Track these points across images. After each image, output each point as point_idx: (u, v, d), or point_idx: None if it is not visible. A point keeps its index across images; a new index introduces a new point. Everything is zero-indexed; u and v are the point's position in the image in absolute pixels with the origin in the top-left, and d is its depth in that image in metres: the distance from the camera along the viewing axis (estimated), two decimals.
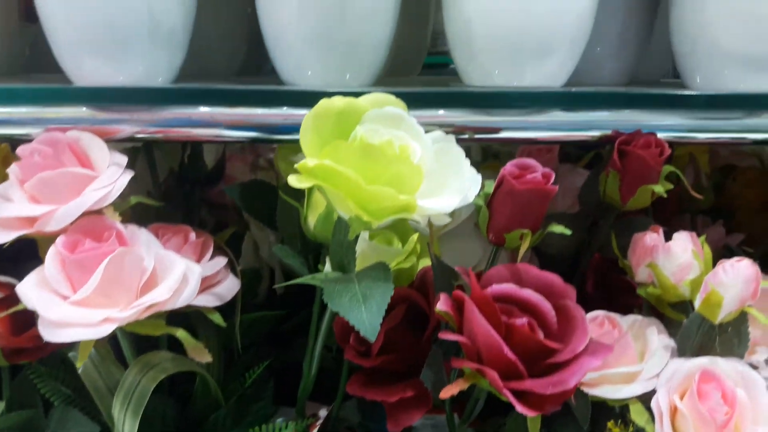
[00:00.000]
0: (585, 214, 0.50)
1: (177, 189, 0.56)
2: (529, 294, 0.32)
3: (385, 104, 0.36)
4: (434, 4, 0.70)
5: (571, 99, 0.38)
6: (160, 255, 0.37)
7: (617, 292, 0.48)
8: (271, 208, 0.47)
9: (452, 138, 0.36)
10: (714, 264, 0.42)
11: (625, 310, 0.43)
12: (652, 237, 0.41)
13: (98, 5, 0.37)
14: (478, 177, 0.35)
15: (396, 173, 0.33)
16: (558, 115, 0.40)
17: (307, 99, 0.37)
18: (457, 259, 0.44)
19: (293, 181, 0.33)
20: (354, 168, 0.32)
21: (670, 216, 0.57)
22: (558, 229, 0.35)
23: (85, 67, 0.40)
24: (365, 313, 0.31)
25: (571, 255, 0.52)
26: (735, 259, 0.37)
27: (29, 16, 0.46)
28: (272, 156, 0.60)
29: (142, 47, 0.39)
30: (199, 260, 0.43)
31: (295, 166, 0.33)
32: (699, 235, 0.59)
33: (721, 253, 0.62)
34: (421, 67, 0.76)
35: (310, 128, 0.34)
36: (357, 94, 0.35)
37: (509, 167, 0.36)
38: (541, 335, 0.31)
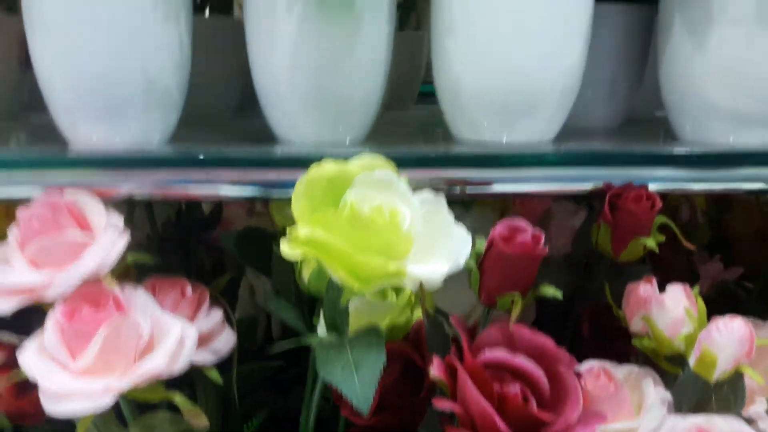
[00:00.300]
0: (579, 261, 0.50)
1: (175, 233, 0.56)
2: (522, 362, 0.32)
3: (375, 167, 0.36)
4: (428, 37, 0.70)
5: (562, 159, 0.39)
6: (156, 318, 0.37)
7: (614, 336, 0.48)
8: (267, 256, 0.48)
9: (442, 200, 0.36)
10: (713, 305, 0.42)
11: (621, 356, 0.44)
12: (646, 289, 0.41)
13: (93, 68, 0.38)
14: (469, 238, 0.35)
15: (386, 241, 0.33)
16: (550, 168, 0.40)
17: (301, 162, 0.38)
18: (453, 302, 0.44)
19: (285, 248, 0.33)
20: (344, 237, 0.32)
21: (667, 253, 0.57)
22: (549, 291, 0.36)
23: (80, 128, 0.40)
24: (358, 384, 0.31)
25: (567, 298, 0.52)
26: (728, 317, 0.37)
27: (29, 62, 0.47)
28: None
29: (138, 108, 0.40)
30: (195, 315, 0.43)
31: (287, 233, 0.33)
32: (697, 271, 0.60)
33: (719, 288, 0.62)
34: (416, 96, 0.77)
35: (301, 195, 0.35)
36: (348, 155, 0.36)
37: (499, 228, 0.36)
38: (533, 405, 0.31)
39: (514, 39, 0.38)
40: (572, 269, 0.52)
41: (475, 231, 0.57)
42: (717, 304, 0.59)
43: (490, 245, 0.36)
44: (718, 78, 0.39)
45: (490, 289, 0.36)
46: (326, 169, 0.35)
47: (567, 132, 0.44)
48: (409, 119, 0.63)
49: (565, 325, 0.52)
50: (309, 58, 0.39)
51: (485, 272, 0.36)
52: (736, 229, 0.64)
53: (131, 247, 0.45)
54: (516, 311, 0.35)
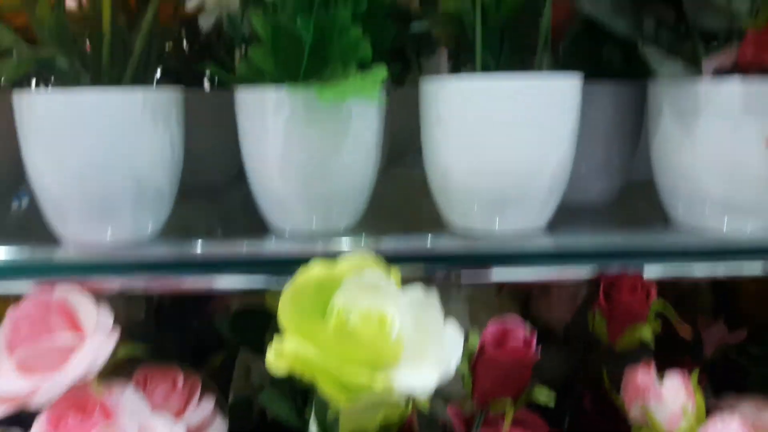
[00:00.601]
0: (579, 336, 0.49)
1: (171, 308, 0.56)
2: None
3: (363, 267, 0.36)
4: None
5: (556, 255, 0.38)
6: (144, 422, 0.37)
7: (616, 413, 0.47)
8: (262, 338, 0.47)
9: (434, 298, 0.36)
10: (717, 374, 0.40)
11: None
12: (644, 377, 0.40)
13: (83, 171, 0.38)
14: (460, 339, 0.35)
15: (374, 351, 0.33)
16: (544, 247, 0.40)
17: (293, 260, 0.38)
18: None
19: (271, 360, 0.33)
20: (330, 349, 0.32)
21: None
22: (542, 395, 0.35)
23: (70, 225, 0.40)
24: None
25: (568, 373, 0.51)
26: (726, 417, 0.36)
27: None
28: None
29: (129, 208, 0.40)
30: (185, 407, 0.43)
31: (272, 347, 0.33)
32: (700, 336, 0.59)
33: (724, 351, 0.61)
34: (418, 148, 0.76)
35: (289, 303, 0.34)
36: (340, 246, 0.35)
37: (491, 330, 0.35)
38: None
39: (501, 133, 0.38)
40: (573, 342, 0.52)
41: (472, 300, 0.56)
42: (721, 373, 0.58)
43: (482, 349, 0.35)
44: (707, 167, 0.38)
45: (482, 392, 0.35)
46: (314, 273, 0.35)
47: (562, 209, 0.43)
48: (407, 184, 0.63)
49: (567, 400, 0.51)
50: (299, 158, 0.39)
51: (477, 376, 0.36)
52: (740, 287, 0.63)
53: (126, 323, 0.45)
54: (509, 418, 0.34)
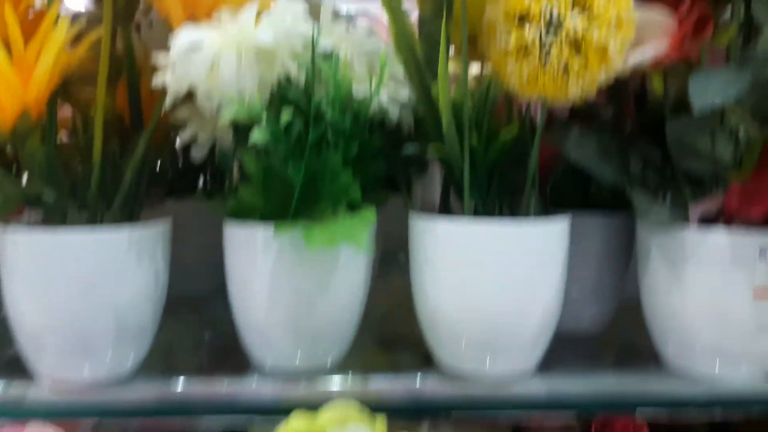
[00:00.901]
0: None
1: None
2: None
3: (347, 420, 0.34)
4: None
5: (548, 403, 0.37)
6: None
7: None
8: None
9: None
10: None
11: None
12: None
13: (65, 313, 0.37)
14: None
15: None
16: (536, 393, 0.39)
17: (274, 407, 0.37)
18: None
19: None
20: None
21: None
22: None
23: (48, 362, 0.39)
24: None
25: None
26: None
27: None
28: None
29: (109, 347, 0.39)
30: None
31: None
32: None
33: None
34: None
35: None
36: (320, 398, 0.34)
37: None
38: None
39: (490, 277, 0.37)
40: None
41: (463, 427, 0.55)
42: None
43: None
44: (696, 313, 0.38)
45: None
46: (294, 427, 0.33)
47: (554, 338, 0.42)
48: (398, 290, 0.62)
49: None
50: (286, 296, 0.39)
51: None
52: None
53: None
54: None
